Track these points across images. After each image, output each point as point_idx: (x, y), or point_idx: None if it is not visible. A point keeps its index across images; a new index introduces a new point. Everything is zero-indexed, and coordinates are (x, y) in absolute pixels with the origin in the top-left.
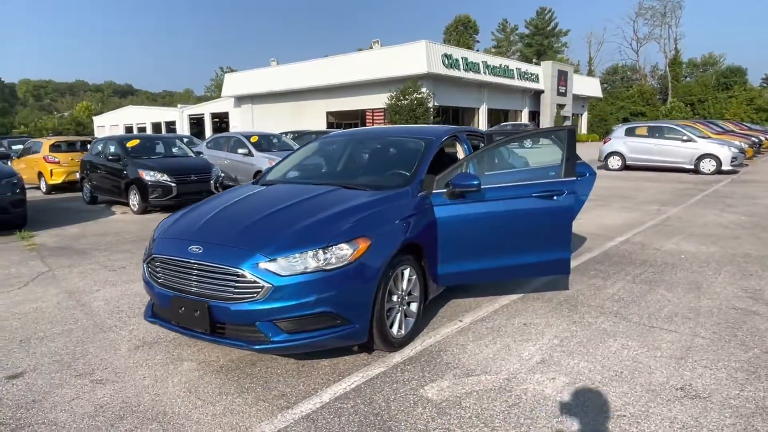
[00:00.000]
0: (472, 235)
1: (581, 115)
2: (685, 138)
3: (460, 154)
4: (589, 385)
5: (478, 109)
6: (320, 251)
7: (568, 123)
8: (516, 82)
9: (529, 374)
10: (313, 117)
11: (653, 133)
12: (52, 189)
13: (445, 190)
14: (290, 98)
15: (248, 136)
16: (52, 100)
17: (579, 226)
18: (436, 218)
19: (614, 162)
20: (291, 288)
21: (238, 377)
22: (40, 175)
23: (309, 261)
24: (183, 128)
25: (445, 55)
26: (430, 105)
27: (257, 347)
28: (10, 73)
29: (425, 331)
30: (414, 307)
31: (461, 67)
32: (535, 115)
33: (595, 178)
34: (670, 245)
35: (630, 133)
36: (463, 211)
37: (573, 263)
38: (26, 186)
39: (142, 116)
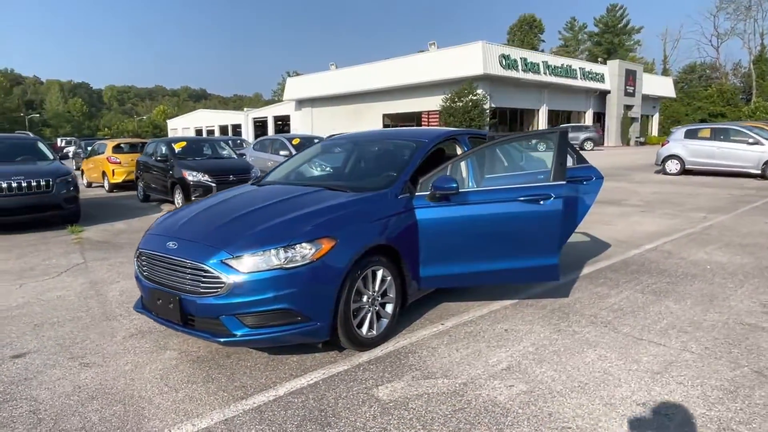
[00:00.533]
0: (455, 238)
1: (651, 116)
2: (751, 141)
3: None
4: (545, 394)
5: (538, 110)
6: (281, 250)
7: (636, 126)
8: (579, 83)
9: (488, 380)
10: (370, 119)
11: (717, 135)
12: (114, 187)
13: (427, 193)
14: (348, 101)
15: (290, 139)
16: (133, 105)
17: (607, 231)
18: (417, 220)
19: (672, 166)
20: (251, 284)
21: (209, 368)
22: (103, 174)
23: (271, 259)
24: (248, 131)
25: (503, 56)
26: (486, 107)
27: (221, 340)
28: (97, 79)
29: (403, 332)
30: (389, 308)
31: (519, 67)
32: (600, 117)
33: (601, 183)
34: (700, 255)
35: (690, 135)
36: (445, 213)
37: (586, 270)
38: (93, 184)
39: (211, 119)
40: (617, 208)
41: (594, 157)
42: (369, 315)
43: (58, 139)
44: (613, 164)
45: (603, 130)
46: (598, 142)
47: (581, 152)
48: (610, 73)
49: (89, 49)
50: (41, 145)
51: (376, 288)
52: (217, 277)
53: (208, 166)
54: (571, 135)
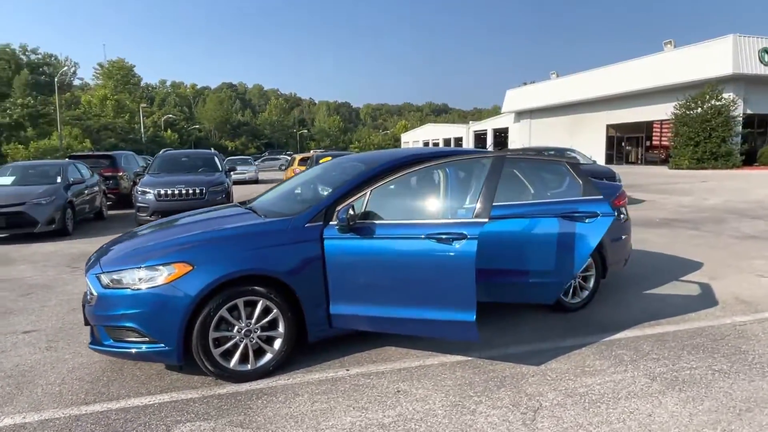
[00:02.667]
0: (363, 275)
1: None
2: None
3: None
4: None
5: None
6: (136, 270)
7: None
8: None
9: None
10: (591, 130)
11: None
12: None
13: (336, 223)
14: (567, 111)
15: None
16: (383, 120)
17: (729, 287)
18: (326, 252)
19: None
20: (106, 300)
21: (85, 364)
22: None
23: (126, 277)
24: (468, 143)
25: (765, 50)
26: (736, 113)
27: (91, 346)
28: (357, 98)
29: (296, 371)
30: (277, 343)
31: None
32: None
33: (609, 221)
34: None
35: None
36: (353, 247)
37: (621, 334)
38: None
39: (436, 133)
40: None
41: None
42: (242, 347)
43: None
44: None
45: None
46: None
47: None
48: None
49: (353, 73)
50: (216, 159)
51: (253, 320)
52: (91, 290)
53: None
54: None
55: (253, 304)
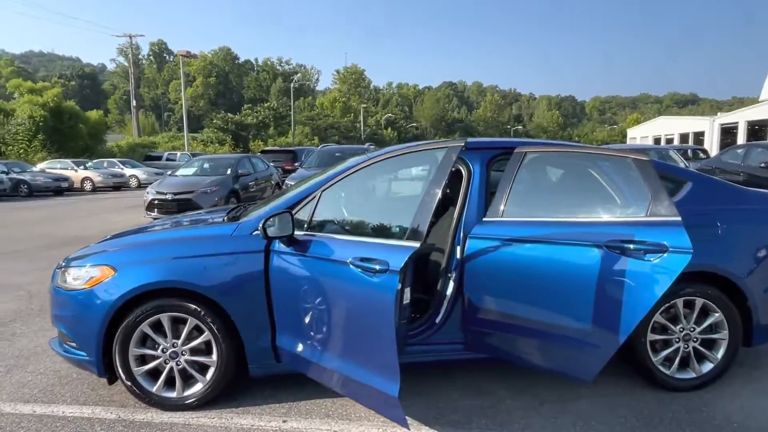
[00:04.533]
0: (302, 303)
1: None
2: None
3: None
4: None
5: None
6: (74, 270)
7: None
8: None
9: None
10: None
11: None
12: None
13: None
14: None
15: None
16: (612, 114)
17: None
18: (270, 270)
19: None
20: (53, 297)
21: (42, 359)
22: None
23: (68, 276)
24: (712, 139)
25: None
26: None
27: (52, 345)
28: (583, 91)
29: (223, 407)
30: (210, 373)
31: None
32: None
33: (683, 263)
34: None
35: None
36: (288, 265)
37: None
38: None
39: (669, 127)
40: None
41: None
42: (166, 370)
43: None
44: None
45: None
46: None
47: None
48: None
49: (580, 64)
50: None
51: (180, 341)
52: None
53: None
54: None
55: (183, 323)
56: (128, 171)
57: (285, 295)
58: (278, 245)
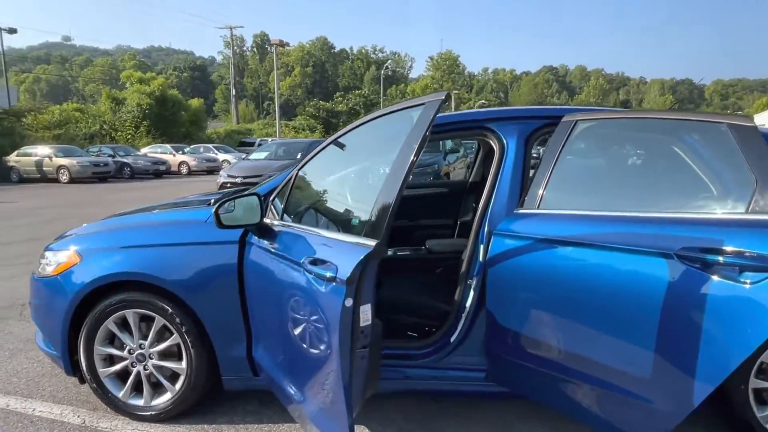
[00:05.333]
0: (269, 308)
1: None
2: None
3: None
4: None
5: None
6: (48, 254)
7: None
8: None
9: None
10: None
11: None
12: None
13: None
14: None
15: None
16: (737, 99)
17: None
18: (244, 264)
19: None
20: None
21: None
22: None
23: (42, 261)
24: None
25: None
26: None
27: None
28: (704, 74)
29: (193, 422)
30: (179, 382)
31: None
32: None
33: None
34: None
35: None
36: (259, 261)
37: None
38: None
39: None
40: None
41: None
42: (134, 374)
43: None
44: None
45: None
46: None
47: None
48: None
49: (703, 45)
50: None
51: (147, 342)
52: None
53: None
54: None
55: (147, 320)
56: (221, 156)
57: (258, 298)
58: (253, 236)
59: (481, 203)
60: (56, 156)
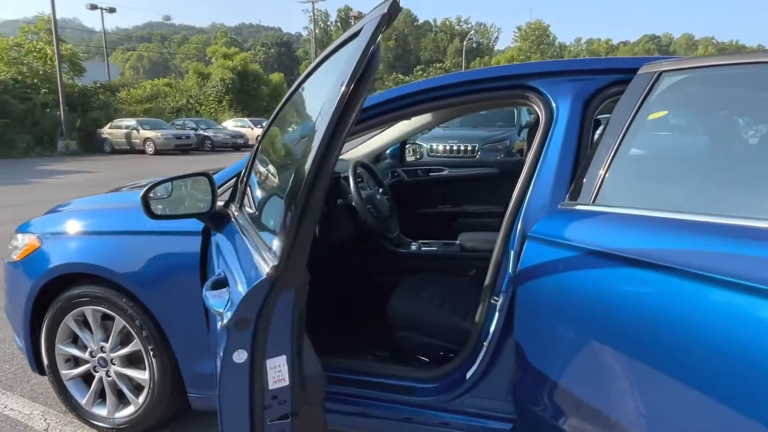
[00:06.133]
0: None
1: None
2: None
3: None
4: None
5: None
6: (19, 236)
7: None
8: None
9: None
10: None
11: None
12: None
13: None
14: None
15: None
16: None
17: None
18: (208, 258)
19: None
20: None
21: None
22: None
23: (12, 243)
24: None
25: None
26: None
27: None
28: None
29: None
30: (143, 395)
31: None
32: None
33: None
34: None
35: None
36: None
37: None
38: None
39: None
40: None
41: None
42: (96, 380)
43: None
44: None
45: None
46: None
47: None
48: None
49: None
50: (515, 113)
51: (108, 344)
52: None
53: None
54: None
55: (109, 319)
56: None
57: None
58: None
59: (515, 192)
60: (143, 128)
